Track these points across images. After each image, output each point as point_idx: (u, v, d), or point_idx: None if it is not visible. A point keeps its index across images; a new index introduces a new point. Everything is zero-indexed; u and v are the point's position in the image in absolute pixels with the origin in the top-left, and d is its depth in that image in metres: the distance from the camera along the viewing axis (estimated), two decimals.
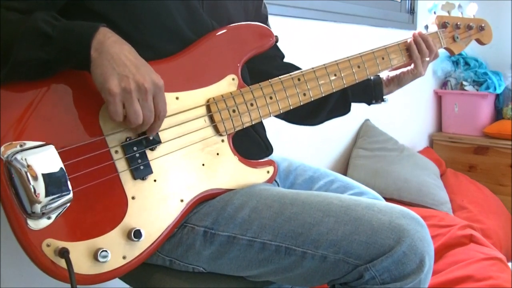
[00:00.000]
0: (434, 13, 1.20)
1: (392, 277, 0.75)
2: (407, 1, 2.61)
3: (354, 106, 1.16)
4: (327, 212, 0.79)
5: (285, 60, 1.17)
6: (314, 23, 1.93)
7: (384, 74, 1.16)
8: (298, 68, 1.13)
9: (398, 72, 1.14)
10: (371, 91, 1.14)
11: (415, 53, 1.09)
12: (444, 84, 2.99)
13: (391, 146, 2.29)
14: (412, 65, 1.11)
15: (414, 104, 2.76)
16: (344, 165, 2.21)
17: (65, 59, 0.68)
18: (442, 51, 1.21)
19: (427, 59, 1.11)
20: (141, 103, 0.70)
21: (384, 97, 1.16)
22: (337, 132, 2.16)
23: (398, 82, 1.15)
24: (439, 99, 2.99)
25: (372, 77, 1.12)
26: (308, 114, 1.01)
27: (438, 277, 1.56)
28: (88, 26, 0.69)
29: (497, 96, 2.90)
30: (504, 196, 2.59)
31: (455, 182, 2.45)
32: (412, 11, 2.61)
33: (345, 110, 1.15)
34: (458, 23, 1.22)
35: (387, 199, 1.01)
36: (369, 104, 1.18)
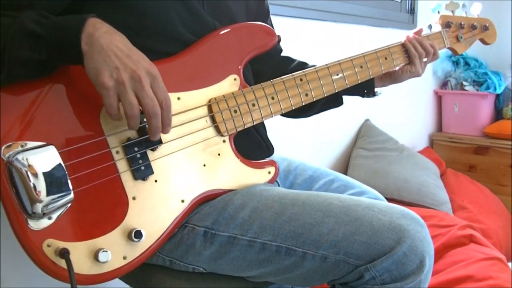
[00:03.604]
0: (438, 12, 1.19)
1: (392, 278, 0.75)
2: (407, 1, 2.61)
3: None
4: (328, 213, 0.79)
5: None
6: (314, 23, 1.93)
7: None
8: (293, 61, 1.13)
9: (396, 68, 1.14)
10: (361, 85, 1.09)
11: (412, 52, 1.09)
12: (444, 84, 2.99)
13: (391, 146, 2.28)
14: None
15: (414, 104, 2.76)
16: (344, 165, 2.21)
17: (58, 56, 0.67)
18: (443, 51, 1.21)
19: (425, 59, 1.12)
20: (139, 93, 0.68)
21: (377, 90, 1.15)
22: (337, 132, 2.16)
23: (394, 77, 1.14)
24: (439, 99, 2.99)
25: None
26: (301, 109, 1.00)
27: (438, 277, 1.56)
28: (76, 20, 0.67)
29: (497, 96, 2.90)
30: (504, 196, 2.59)
31: (455, 182, 2.45)
32: (412, 11, 2.61)
33: (338, 103, 1.15)
34: (462, 23, 1.21)
35: (387, 199, 1.01)
36: (362, 97, 1.17)
